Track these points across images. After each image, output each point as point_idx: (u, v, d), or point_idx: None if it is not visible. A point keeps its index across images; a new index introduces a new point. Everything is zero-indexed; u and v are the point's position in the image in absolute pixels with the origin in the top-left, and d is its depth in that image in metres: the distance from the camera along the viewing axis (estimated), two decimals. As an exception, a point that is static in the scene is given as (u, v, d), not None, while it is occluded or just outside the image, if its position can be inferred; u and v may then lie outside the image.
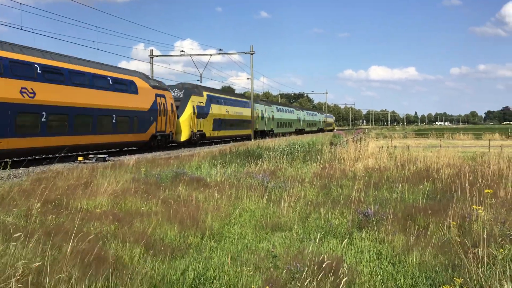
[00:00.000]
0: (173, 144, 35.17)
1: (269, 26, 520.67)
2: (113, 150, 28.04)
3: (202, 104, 38.09)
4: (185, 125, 35.25)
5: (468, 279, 4.59)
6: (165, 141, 32.78)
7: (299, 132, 73.19)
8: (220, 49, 49.17)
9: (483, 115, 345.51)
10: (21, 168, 17.83)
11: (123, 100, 27.17)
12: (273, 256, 5.94)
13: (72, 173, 13.53)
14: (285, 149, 21.18)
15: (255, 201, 10.28)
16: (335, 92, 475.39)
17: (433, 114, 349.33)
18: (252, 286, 5.16)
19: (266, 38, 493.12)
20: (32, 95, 20.03)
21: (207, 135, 39.25)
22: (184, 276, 5.59)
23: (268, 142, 27.83)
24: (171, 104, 33.19)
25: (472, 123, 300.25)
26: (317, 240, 6.69)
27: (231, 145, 28.25)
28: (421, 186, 11.70)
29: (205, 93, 39.40)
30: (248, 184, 12.11)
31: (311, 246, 6.58)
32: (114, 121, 26.06)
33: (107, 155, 23.09)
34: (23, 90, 19.54)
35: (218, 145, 37.79)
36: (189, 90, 37.10)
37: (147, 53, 48.22)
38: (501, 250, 5.06)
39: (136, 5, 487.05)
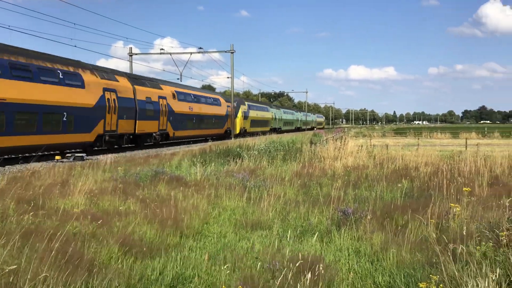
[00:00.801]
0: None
1: (249, 25, 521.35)
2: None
3: (245, 110, 57.56)
4: (238, 123, 54.11)
5: (445, 276, 4.65)
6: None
7: (297, 130, 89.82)
8: (200, 48, 48.95)
9: (460, 115, 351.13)
10: (-4, 167, 17.49)
11: None
12: (255, 258, 5.92)
13: (49, 172, 13.31)
14: (269, 147, 21.19)
15: (234, 200, 10.26)
16: (315, 91, 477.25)
17: (412, 113, 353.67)
18: (230, 285, 5.14)
19: (247, 37, 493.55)
20: None
21: (248, 130, 57.72)
22: (162, 275, 5.55)
23: (252, 140, 27.81)
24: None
25: (449, 122, 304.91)
26: (292, 239, 6.70)
27: (210, 144, 28.15)
28: (399, 185, 11.82)
29: (246, 103, 59.86)
30: (228, 183, 12.08)
31: (290, 245, 6.59)
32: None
33: (85, 154, 22.80)
34: None
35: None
36: (239, 101, 57.22)
37: (126, 51, 47.76)
38: (477, 247, 5.13)
39: (115, 1, 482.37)
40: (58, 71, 23.42)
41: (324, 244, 7.13)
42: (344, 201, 9.69)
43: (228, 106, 50.53)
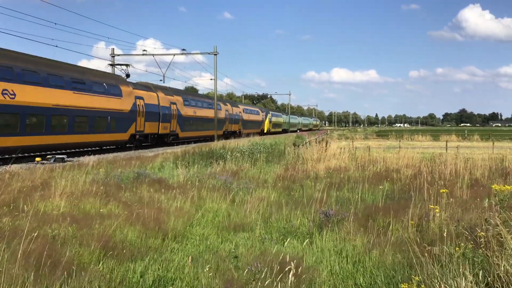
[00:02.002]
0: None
1: (232, 27, 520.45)
2: (72, 150, 27.42)
3: (270, 117, 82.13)
4: (266, 125, 77.93)
5: (425, 277, 4.70)
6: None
7: (299, 130, 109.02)
8: (184, 49, 48.73)
9: (441, 117, 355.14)
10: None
11: None
12: (234, 257, 5.92)
13: (29, 174, 13.13)
14: (254, 148, 21.20)
15: (217, 202, 10.24)
16: (298, 94, 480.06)
17: (393, 116, 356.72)
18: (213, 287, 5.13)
19: (230, 39, 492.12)
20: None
21: (271, 130, 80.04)
22: (144, 278, 5.51)
23: (240, 141, 27.76)
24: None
25: (430, 125, 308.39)
26: (275, 241, 6.72)
27: (194, 146, 28.07)
28: (380, 187, 11.93)
29: (270, 112, 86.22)
30: (211, 185, 12.05)
31: (272, 247, 6.61)
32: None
33: (65, 156, 22.54)
34: None
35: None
36: (266, 110, 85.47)
37: (108, 52, 47.43)
38: (456, 248, 5.20)
39: (97, 2, 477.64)
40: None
41: (306, 246, 7.16)
42: (326, 203, 9.74)
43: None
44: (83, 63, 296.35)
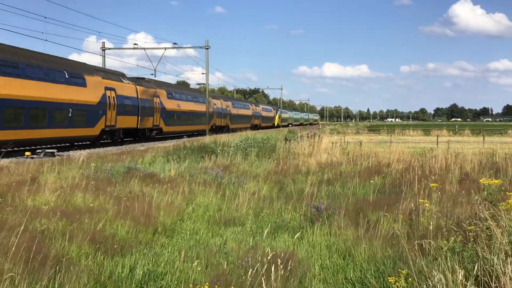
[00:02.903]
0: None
1: (224, 21, 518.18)
2: (64, 144, 27.17)
3: (280, 114, 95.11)
4: (276, 120, 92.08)
5: (413, 271, 4.72)
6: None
7: (301, 124, 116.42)
8: (175, 43, 48.64)
9: (432, 112, 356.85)
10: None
11: None
12: (224, 252, 5.91)
13: (18, 169, 13.02)
14: (244, 143, 21.18)
15: (208, 196, 10.22)
16: (290, 88, 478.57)
17: (385, 110, 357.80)
18: (203, 282, 5.11)
19: (222, 33, 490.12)
20: None
21: (280, 124, 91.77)
22: (133, 273, 5.48)
23: (227, 136, 27.73)
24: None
25: (421, 120, 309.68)
26: (266, 235, 6.71)
27: (185, 140, 28.02)
28: (372, 181, 11.96)
29: (279, 111, 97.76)
30: (202, 180, 12.03)
31: (263, 241, 6.60)
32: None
33: (56, 150, 22.39)
34: None
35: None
36: (276, 108, 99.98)
37: (99, 46, 47.02)
38: (445, 242, 5.22)
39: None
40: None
41: (297, 240, 7.17)
42: (318, 198, 9.76)
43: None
44: (74, 56, 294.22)
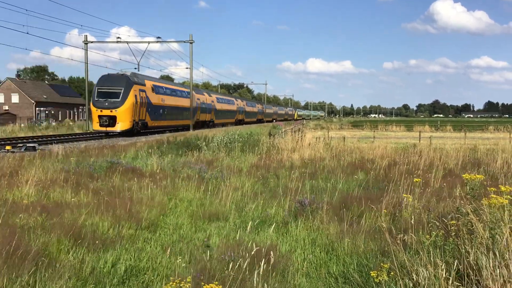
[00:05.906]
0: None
1: (208, 16, 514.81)
2: (45, 140, 26.79)
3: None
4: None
5: (396, 265, 4.73)
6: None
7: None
8: (159, 37, 48.19)
9: (415, 108, 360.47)
10: None
11: None
12: (206, 246, 5.87)
13: (-2, 163, 12.80)
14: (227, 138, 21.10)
15: (192, 191, 10.15)
16: (275, 84, 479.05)
17: (368, 106, 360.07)
18: (186, 276, 5.07)
19: (206, 28, 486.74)
20: None
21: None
22: (115, 268, 5.42)
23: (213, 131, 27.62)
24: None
25: (404, 116, 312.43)
26: (250, 229, 6.69)
27: (169, 135, 27.83)
28: (355, 176, 12.01)
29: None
30: (186, 174, 11.95)
31: (247, 235, 6.58)
32: None
33: (37, 144, 22.07)
34: None
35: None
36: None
37: (81, 39, 46.43)
38: (427, 236, 5.25)
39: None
40: None
41: (281, 234, 7.16)
42: (301, 192, 9.76)
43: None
44: (56, 50, 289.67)
